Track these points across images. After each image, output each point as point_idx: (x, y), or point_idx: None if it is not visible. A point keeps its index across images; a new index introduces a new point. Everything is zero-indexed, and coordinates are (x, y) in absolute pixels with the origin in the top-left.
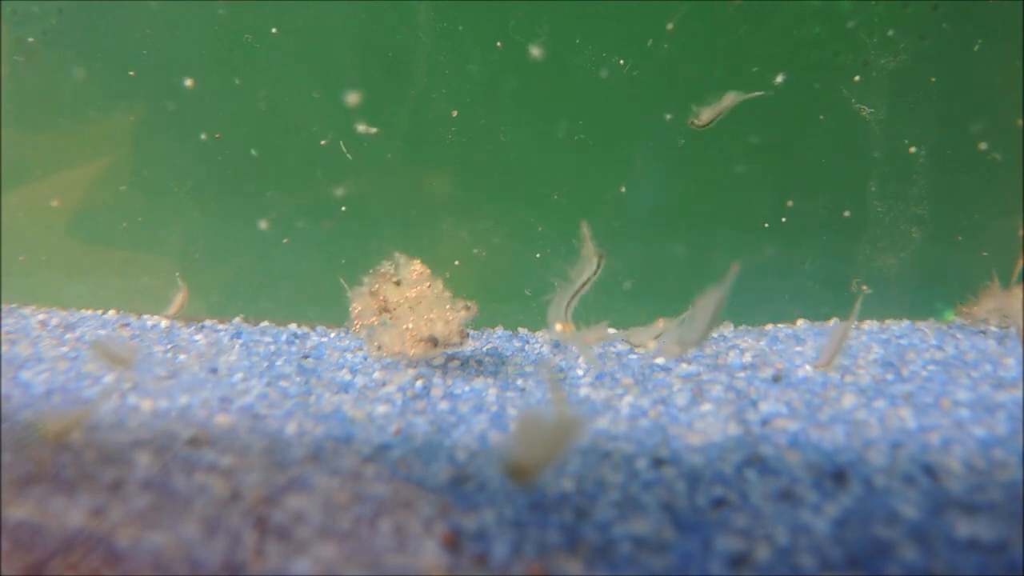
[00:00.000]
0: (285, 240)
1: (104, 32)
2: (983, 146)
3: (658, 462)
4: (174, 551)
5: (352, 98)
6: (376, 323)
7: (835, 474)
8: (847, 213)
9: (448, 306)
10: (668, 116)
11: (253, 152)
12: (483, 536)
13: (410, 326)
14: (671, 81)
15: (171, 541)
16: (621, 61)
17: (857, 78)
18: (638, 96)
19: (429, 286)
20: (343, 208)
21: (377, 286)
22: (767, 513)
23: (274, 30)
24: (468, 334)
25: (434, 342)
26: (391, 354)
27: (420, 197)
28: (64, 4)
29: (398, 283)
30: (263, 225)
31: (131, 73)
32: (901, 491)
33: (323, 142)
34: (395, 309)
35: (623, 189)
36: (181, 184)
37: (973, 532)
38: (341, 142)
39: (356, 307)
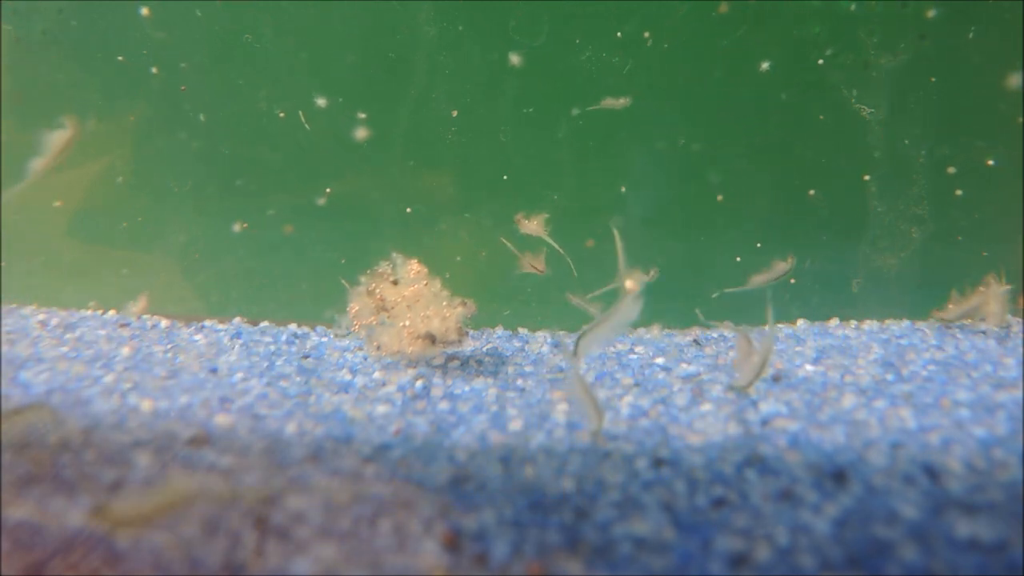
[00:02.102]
0: (244, 225)
1: (104, 32)
2: (945, 170)
3: (658, 462)
4: (174, 551)
5: (361, 133)
6: (375, 323)
7: (835, 474)
8: (812, 192)
9: (445, 303)
10: (622, 100)
11: (201, 117)
12: (483, 536)
13: (407, 323)
14: (671, 81)
15: (171, 541)
16: (619, 34)
17: (821, 61)
18: (638, 96)
19: (426, 284)
20: (327, 190)
21: (374, 285)
22: (767, 513)
23: None
24: (467, 332)
25: (432, 339)
26: (390, 353)
27: (420, 197)
28: (64, 4)
29: (395, 282)
30: (236, 228)
31: (120, 58)
32: (901, 491)
33: (281, 114)
34: (392, 308)
35: (623, 189)
36: (181, 184)
37: (973, 532)
38: (300, 112)
39: (353, 307)
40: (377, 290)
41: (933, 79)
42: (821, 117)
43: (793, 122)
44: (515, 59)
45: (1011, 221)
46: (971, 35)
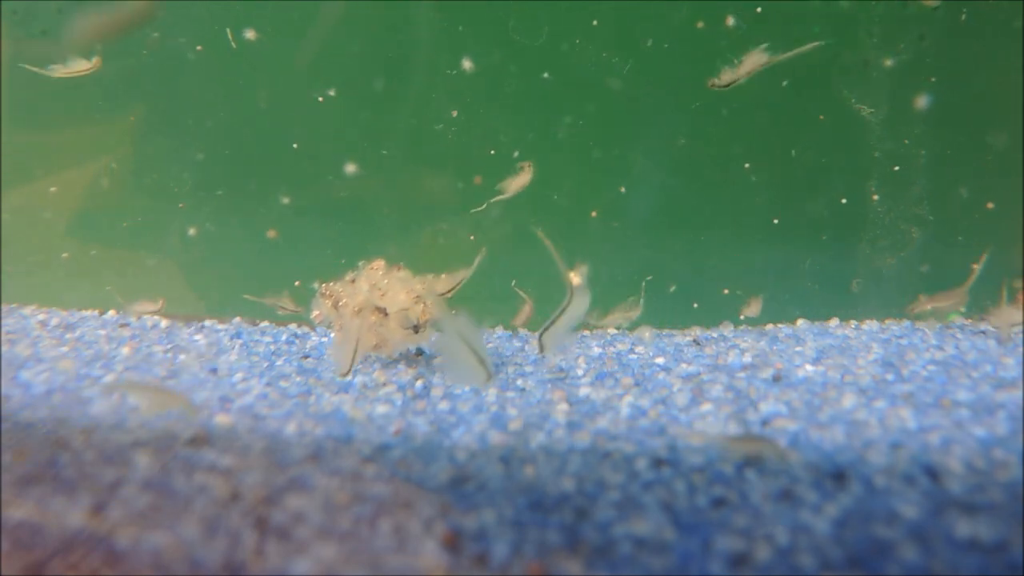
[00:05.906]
0: (189, 230)
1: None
2: (945, 170)
3: (658, 462)
4: (174, 551)
5: (350, 168)
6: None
7: (835, 474)
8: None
9: (381, 273)
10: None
11: (200, 119)
12: (483, 536)
13: (344, 301)
14: (671, 81)
15: (171, 541)
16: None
17: (748, 15)
18: (638, 96)
19: (375, 268)
20: (296, 146)
21: (325, 287)
22: (767, 513)
23: None
24: (429, 305)
25: (380, 311)
26: (367, 347)
27: (420, 197)
28: (64, 4)
29: (354, 281)
30: (192, 232)
31: (97, 44)
32: (901, 491)
33: (199, 48)
34: (343, 301)
35: (623, 189)
36: (181, 184)
37: (973, 532)
38: (228, 30)
39: (317, 314)
40: (328, 291)
41: (933, 79)
42: (821, 117)
43: (793, 122)
44: (467, 64)
45: (1011, 221)
46: (971, 35)
